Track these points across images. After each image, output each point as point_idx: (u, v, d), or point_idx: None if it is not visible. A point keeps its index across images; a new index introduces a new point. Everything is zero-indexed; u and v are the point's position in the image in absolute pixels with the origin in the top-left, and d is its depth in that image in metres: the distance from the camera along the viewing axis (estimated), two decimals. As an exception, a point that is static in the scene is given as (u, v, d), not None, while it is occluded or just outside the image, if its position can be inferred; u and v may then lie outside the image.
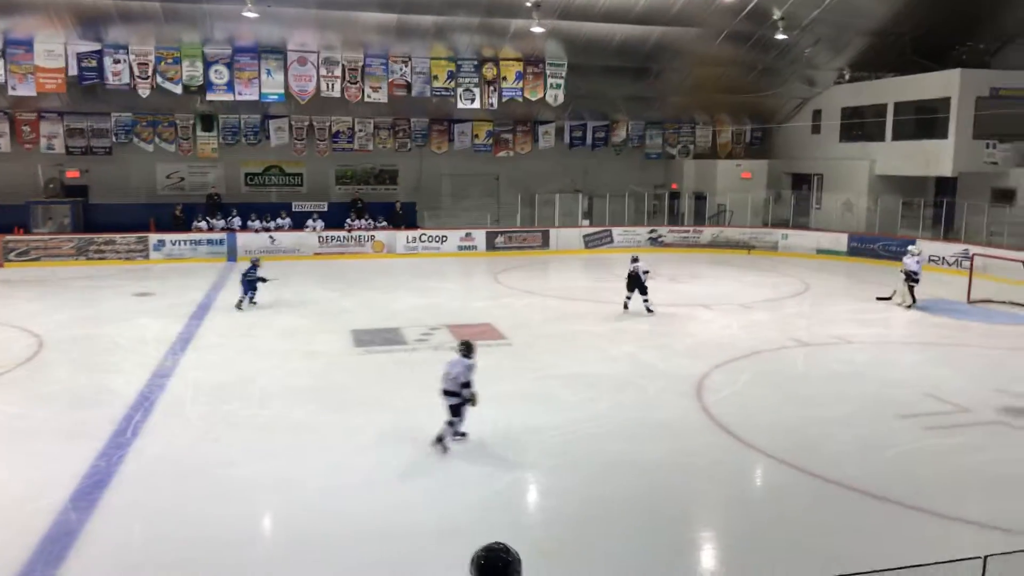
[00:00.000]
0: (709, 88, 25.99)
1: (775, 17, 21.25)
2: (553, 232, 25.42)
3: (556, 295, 17.88)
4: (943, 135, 21.99)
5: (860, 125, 25.18)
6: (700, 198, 27.69)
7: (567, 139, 27.16)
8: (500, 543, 3.09)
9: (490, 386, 10.59)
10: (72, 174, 24.49)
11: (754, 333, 13.89)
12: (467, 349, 8.62)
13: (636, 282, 15.31)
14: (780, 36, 21.75)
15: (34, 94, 20.85)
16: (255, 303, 15.90)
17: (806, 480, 7.76)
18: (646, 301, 15.36)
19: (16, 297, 17.10)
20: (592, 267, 22.52)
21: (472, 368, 8.46)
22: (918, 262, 16.34)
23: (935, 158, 22.29)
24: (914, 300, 16.20)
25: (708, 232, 26.10)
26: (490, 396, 10.19)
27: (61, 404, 9.73)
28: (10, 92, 20.66)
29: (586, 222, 26.44)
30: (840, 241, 23.79)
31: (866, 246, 23.23)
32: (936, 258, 20.91)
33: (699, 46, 23.25)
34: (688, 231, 26.31)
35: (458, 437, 8.51)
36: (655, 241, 26.01)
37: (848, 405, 10.03)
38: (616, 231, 25.83)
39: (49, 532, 6.45)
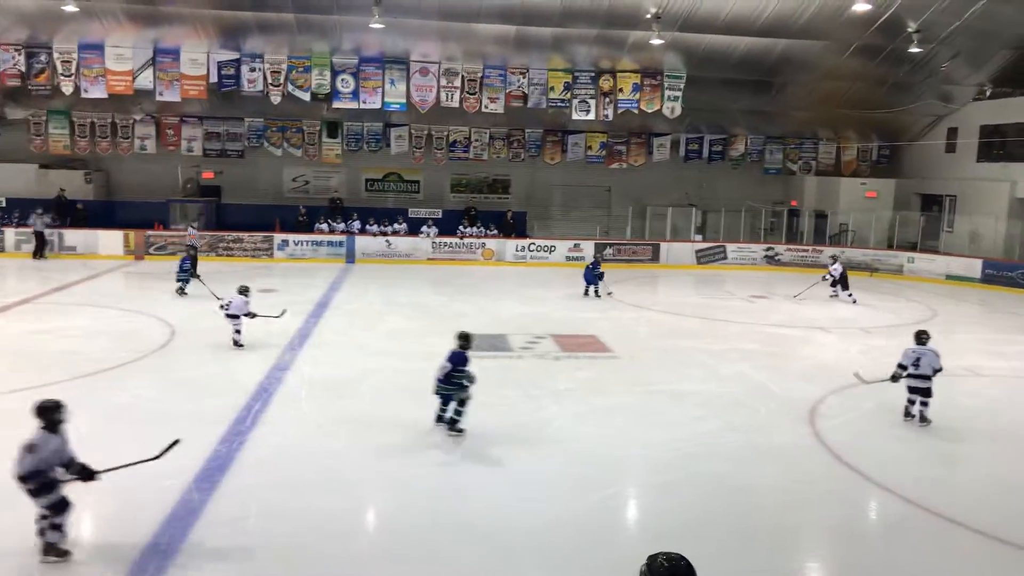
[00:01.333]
0: (834, 103, 24.98)
1: (910, 29, 20.23)
2: (664, 246, 25.07)
3: (665, 310, 17.62)
4: (1095, 156, 20.32)
5: (1001, 144, 23.59)
6: (821, 216, 26.66)
7: (682, 152, 26.74)
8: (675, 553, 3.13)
9: (593, 398, 10.61)
10: (208, 175, 26.14)
11: (874, 359, 13.19)
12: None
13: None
14: (914, 49, 20.67)
15: (178, 100, 22.31)
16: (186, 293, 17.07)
17: (927, 518, 7.31)
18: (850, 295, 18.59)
19: (153, 288, 18.36)
20: (703, 283, 22.05)
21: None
22: None
23: (1085, 181, 20.61)
24: None
25: (828, 252, 25.04)
26: (593, 408, 10.19)
27: (189, 390, 10.35)
28: (158, 98, 22.19)
29: (699, 237, 25.93)
30: (973, 267, 22.34)
31: (1002, 273, 21.72)
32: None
33: (825, 59, 22.40)
34: (807, 250, 25.35)
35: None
36: (771, 259, 25.21)
37: (978, 442, 9.40)
38: (730, 247, 25.21)
39: (175, 510, 6.89)
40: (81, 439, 8.60)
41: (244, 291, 12.63)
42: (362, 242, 23.95)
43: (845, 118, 26.27)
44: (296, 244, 23.74)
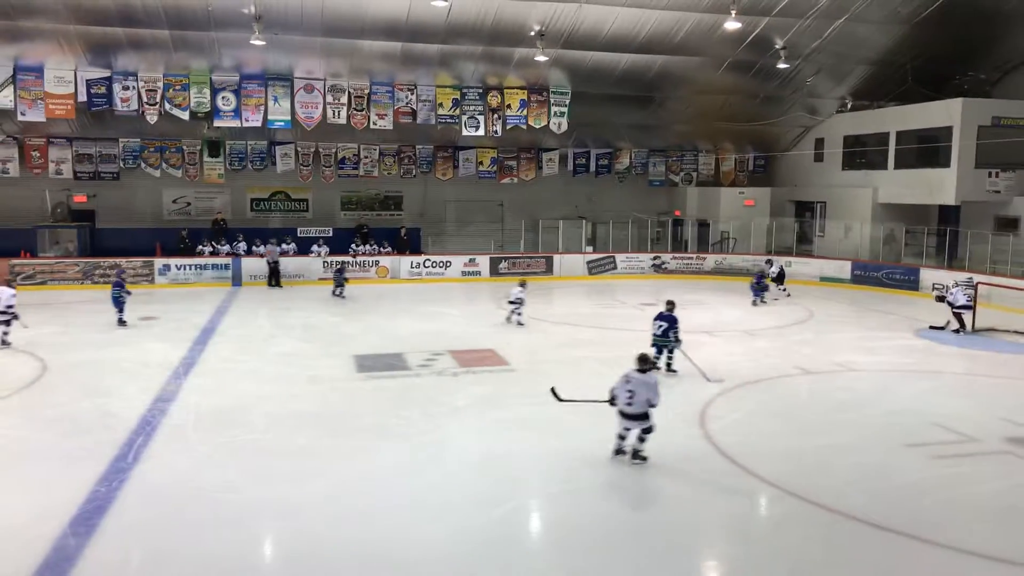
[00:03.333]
0: (712, 116, 26.20)
1: (776, 47, 21.48)
2: (557, 258, 25.50)
3: (559, 321, 17.87)
4: (946, 164, 22.11)
5: (862, 153, 25.32)
6: (703, 225, 27.80)
7: (571, 166, 27.35)
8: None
9: (492, 412, 10.64)
10: (79, 199, 24.71)
11: (757, 360, 13.86)
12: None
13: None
14: (782, 65, 21.96)
15: (43, 120, 21.08)
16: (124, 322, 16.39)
17: (809, 509, 7.69)
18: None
19: (20, 321, 17.11)
20: (596, 293, 22.52)
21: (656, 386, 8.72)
22: (966, 294, 16.49)
23: (938, 186, 22.37)
24: (962, 325, 16.33)
25: (711, 259, 26.13)
26: (491, 422, 10.22)
27: (63, 428, 9.71)
28: (19, 118, 20.89)
29: (589, 248, 26.51)
30: (844, 269, 23.80)
31: (869, 274, 23.24)
32: (940, 286, 20.88)
33: (701, 75, 23.46)
34: (692, 258, 26.35)
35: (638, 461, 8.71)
36: (658, 268, 26.06)
37: (852, 433, 9.97)
38: (620, 257, 25.90)
39: (48, 558, 6.42)
40: (-61, 488, 7.97)
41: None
42: (248, 264, 23.17)
43: (722, 130, 27.59)
44: (179, 268, 22.74)
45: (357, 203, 27.38)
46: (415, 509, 7.59)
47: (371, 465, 8.68)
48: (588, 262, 25.65)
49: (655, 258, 26.24)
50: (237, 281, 22.84)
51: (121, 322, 16.36)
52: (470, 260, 24.81)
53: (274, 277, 22.76)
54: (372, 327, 16.94)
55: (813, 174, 27.28)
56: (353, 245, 24.69)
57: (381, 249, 24.90)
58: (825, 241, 25.87)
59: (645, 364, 8.80)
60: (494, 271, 24.75)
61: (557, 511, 7.80)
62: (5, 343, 14.08)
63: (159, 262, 22.71)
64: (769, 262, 22.52)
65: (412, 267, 24.42)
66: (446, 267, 24.55)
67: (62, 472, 8.24)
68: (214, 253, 23.51)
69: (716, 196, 28.00)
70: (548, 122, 24.02)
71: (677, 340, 12.51)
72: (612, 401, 8.84)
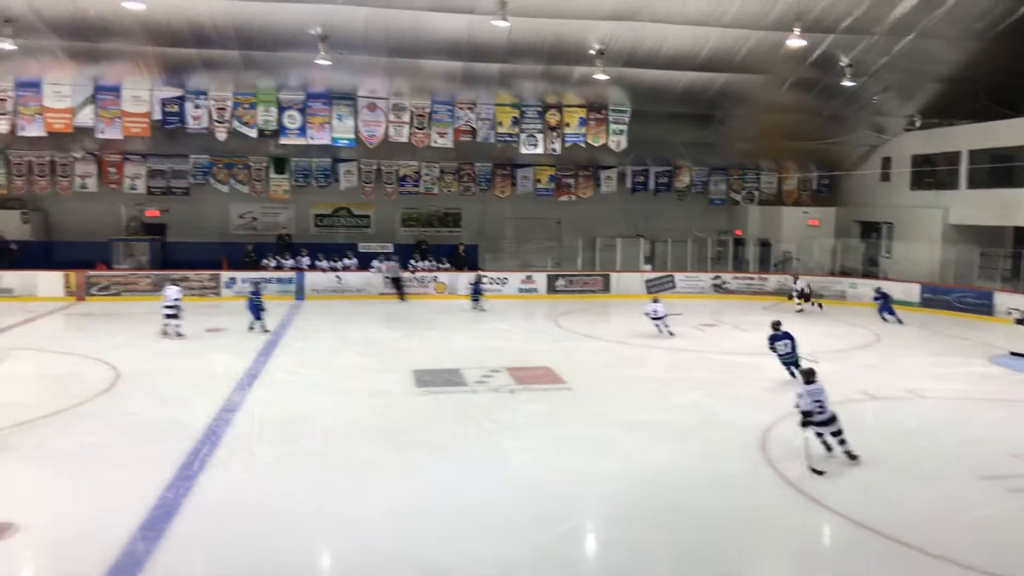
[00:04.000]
0: (774, 135, 25.79)
1: (842, 64, 21.06)
2: (614, 276, 25.35)
3: (617, 340, 17.74)
4: (1022, 184, 21.28)
5: (932, 173, 24.58)
6: (765, 245, 27.32)
7: (629, 184, 27.20)
8: None
9: (550, 431, 10.60)
10: (152, 213, 25.62)
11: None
12: (810, 375, 9.62)
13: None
14: (847, 83, 21.51)
15: (120, 137, 21.92)
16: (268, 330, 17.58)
17: (876, 541, 7.44)
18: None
19: (96, 330, 17.83)
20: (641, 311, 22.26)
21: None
22: None
23: (1013, 207, 21.53)
24: None
25: (773, 279, 25.64)
26: (550, 441, 10.18)
27: (134, 435, 10.03)
28: (98, 135, 21.77)
29: (648, 267, 26.30)
30: (912, 291, 23.07)
31: (939, 297, 22.47)
32: (1016, 310, 20.09)
33: (764, 93, 23.14)
34: (753, 278, 25.91)
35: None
36: (719, 287, 25.68)
37: (923, 463, 9.63)
38: (678, 276, 25.62)
39: (118, 561, 6.62)
40: (21, 486, 8.33)
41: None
42: (312, 278, 23.67)
43: (785, 149, 27.12)
44: (244, 282, 23.32)
45: (417, 220, 27.74)
46: (473, 525, 7.60)
47: (429, 480, 8.74)
48: (646, 281, 25.43)
49: (715, 277, 25.87)
50: (300, 295, 23.33)
51: (262, 328, 17.76)
52: (527, 277, 24.86)
53: (399, 290, 23.50)
54: (430, 342, 17.09)
55: (880, 194, 26.57)
56: (412, 261, 24.99)
57: (439, 265, 25.15)
58: (892, 263, 25.13)
59: (813, 376, 9.62)
60: (551, 288, 24.74)
61: (615, 533, 7.71)
62: (179, 335, 16.72)
63: (225, 275, 23.36)
64: (796, 277, 23.24)
65: (470, 283, 24.55)
66: (503, 284, 24.64)
67: (133, 477, 8.51)
68: (278, 267, 24.08)
69: (778, 215, 27.51)
70: (607, 140, 23.98)
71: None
72: (808, 417, 9.38)
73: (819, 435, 9.51)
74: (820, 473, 8.96)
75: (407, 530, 7.47)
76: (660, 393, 12.75)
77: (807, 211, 27.63)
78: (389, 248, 25.84)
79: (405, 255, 25.28)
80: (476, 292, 22.31)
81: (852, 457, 9.39)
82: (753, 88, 22.85)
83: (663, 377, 13.79)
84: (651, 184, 27.35)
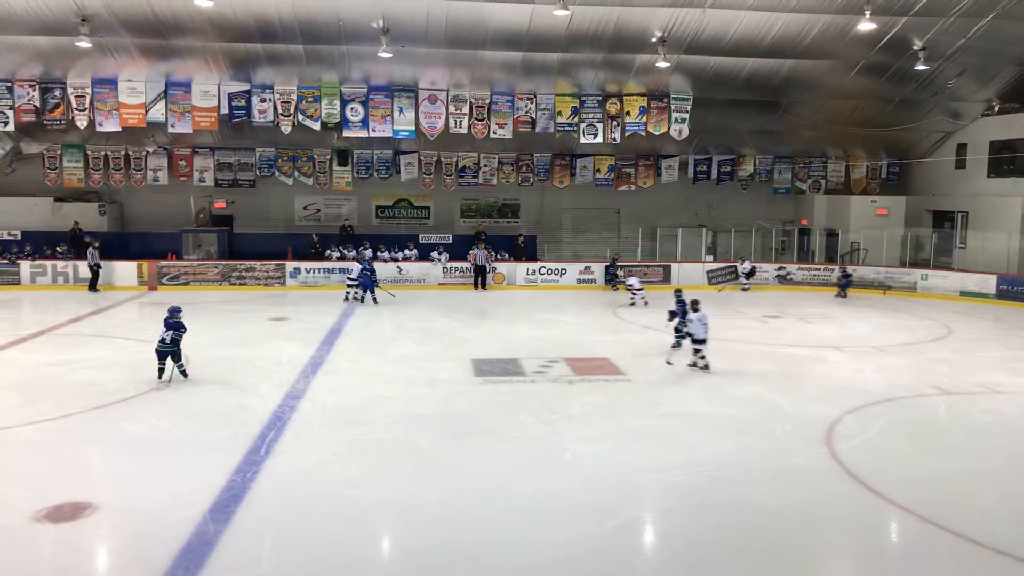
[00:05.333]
0: (842, 122, 25.04)
1: (916, 47, 20.30)
2: (675, 267, 25.04)
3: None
4: (1108, 170, 20.22)
5: (1012, 160, 23.53)
6: (832, 235, 26.61)
7: (691, 173, 26.80)
8: None
9: (608, 422, 10.56)
10: (220, 205, 26.39)
11: (890, 378, 13.12)
12: (695, 304, 13.40)
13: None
14: (920, 67, 20.73)
15: (190, 131, 22.59)
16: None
17: (947, 539, 7.21)
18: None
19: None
20: (716, 303, 21.93)
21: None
22: None
23: (1099, 195, 20.50)
24: None
25: (840, 270, 24.97)
26: (609, 432, 10.15)
27: (203, 420, 10.37)
28: (169, 130, 22.47)
29: (710, 257, 25.90)
30: (988, 283, 22.18)
31: (1018, 289, 21.55)
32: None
33: (832, 78, 22.48)
34: (819, 269, 25.27)
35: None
36: (783, 279, 25.14)
37: (998, 460, 9.28)
38: (741, 268, 25.15)
39: (190, 541, 6.87)
40: (97, 469, 8.70)
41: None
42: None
43: (853, 136, 26.30)
44: (308, 272, 23.85)
45: (476, 210, 27.90)
46: (531, 514, 7.64)
47: (488, 469, 8.81)
48: (708, 271, 25.05)
49: (780, 268, 25.33)
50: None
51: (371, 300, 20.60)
52: (585, 268, 24.75)
53: (480, 278, 23.81)
54: (489, 332, 17.18)
55: (954, 182, 25.57)
56: (471, 251, 25.13)
57: (498, 256, 25.23)
58: (967, 253, 24.19)
59: (698, 304, 13.49)
60: (610, 279, 24.57)
61: (673, 526, 7.65)
62: (375, 301, 20.52)
63: (290, 265, 23.90)
64: (742, 259, 24.90)
65: (528, 274, 24.61)
66: (561, 274, 24.59)
67: (202, 461, 8.80)
68: (341, 258, 24.51)
69: (846, 205, 26.74)
70: (668, 129, 23.65)
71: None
72: (685, 335, 13.53)
73: (697, 351, 13.28)
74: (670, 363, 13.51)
75: (465, 517, 7.55)
76: (721, 386, 12.56)
77: (876, 200, 26.79)
78: (448, 239, 26.04)
79: (465, 246, 25.43)
80: (611, 275, 23.89)
81: (706, 368, 13.23)
82: (820, 74, 22.21)
83: (724, 369, 13.57)
84: (714, 173, 26.89)
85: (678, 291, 14.94)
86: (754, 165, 26.95)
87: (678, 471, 8.81)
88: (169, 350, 12.03)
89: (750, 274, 24.43)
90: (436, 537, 7.11)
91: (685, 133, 23.77)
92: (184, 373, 12.18)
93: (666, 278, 24.83)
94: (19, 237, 24.41)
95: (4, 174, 24.52)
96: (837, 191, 27.46)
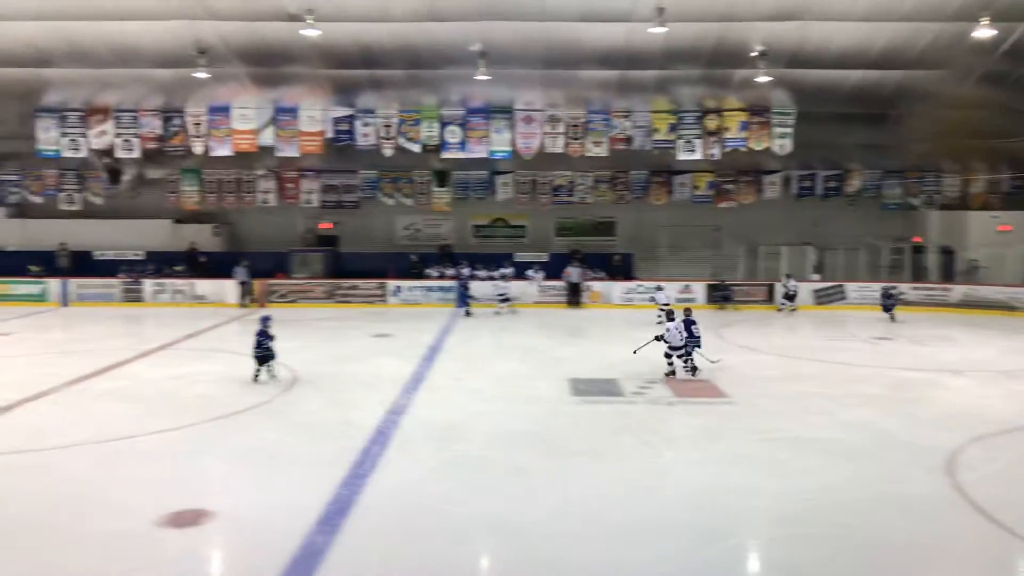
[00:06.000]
0: (959, 133, 23.76)
1: (1040, 53, 19.16)
2: (778, 286, 24.28)
3: (782, 353, 16.99)
4: None
5: None
6: (948, 253, 25.25)
7: (795, 189, 26.00)
8: None
9: (711, 445, 10.30)
10: (325, 225, 27.41)
11: (1019, 405, 12.29)
12: (671, 314, 14.30)
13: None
14: (1047, 73, 19.53)
15: (297, 155, 23.59)
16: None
17: (1090, 581, 6.67)
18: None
19: (277, 335, 19.16)
20: (822, 324, 21.19)
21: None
22: None
23: None
24: None
25: (959, 290, 23.62)
26: (709, 455, 9.90)
27: (311, 434, 10.72)
28: (277, 154, 23.53)
29: (816, 276, 25.01)
30: (1126, 304, 20.54)
31: None
32: None
33: (946, 89, 21.45)
34: (934, 289, 23.99)
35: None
36: (895, 299, 23.96)
37: None
38: (850, 287, 24.16)
39: (299, 552, 7.08)
40: (213, 478, 9.11)
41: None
42: (471, 287, 24.31)
43: (971, 149, 24.91)
44: (409, 290, 24.43)
45: (571, 229, 27.90)
46: (634, 536, 7.52)
47: (587, 489, 8.73)
48: (814, 291, 24.19)
49: (891, 288, 24.18)
50: (461, 302, 24.05)
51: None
52: (684, 287, 24.32)
53: (575, 297, 23.91)
54: (586, 352, 17.10)
55: (1085, 195, 23.88)
56: (567, 270, 25.12)
57: (594, 274, 25.13)
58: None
59: (673, 315, 14.62)
60: (710, 298, 24.06)
61: (779, 555, 7.36)
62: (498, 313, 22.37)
63: (392, 284, 24.54)
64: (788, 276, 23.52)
65: (624, 292, 24.39)
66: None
67: (310, 473, 9.09)
68: (440, 276, 24.98)
69: (963, 221, 25.33)
70: (770, 144, 23.07)
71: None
72: (663, 340, 13.83)
73: (681, 357, 13.85)
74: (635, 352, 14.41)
75: (564, 537, 7.50)
76: (829, 410, 12.07)
77: (997, 215, 25.26)
78: (544, 257, 26.13)
79: (561, 264, 25.44)
80: (722, 294, 23.66)
81: (694, 371, 13.95)
82: (933, 84, 21.25)
83: (832, 393, 13.05)
84: (818, 189, 26.01)
85: (670, 313, 15.45)
86: (862, 180, 25.90)
87: (784, 498, 8.49)
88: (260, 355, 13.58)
89: (791, 296, 23.10)
90: (538, 556, 7.09)
91: (788, 148, 23.13)
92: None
93: (769, 298, 24.11)
94: (142, 257, 26.02)
95: (130, 198, 26.20)
96: (953, 206, 26.05)
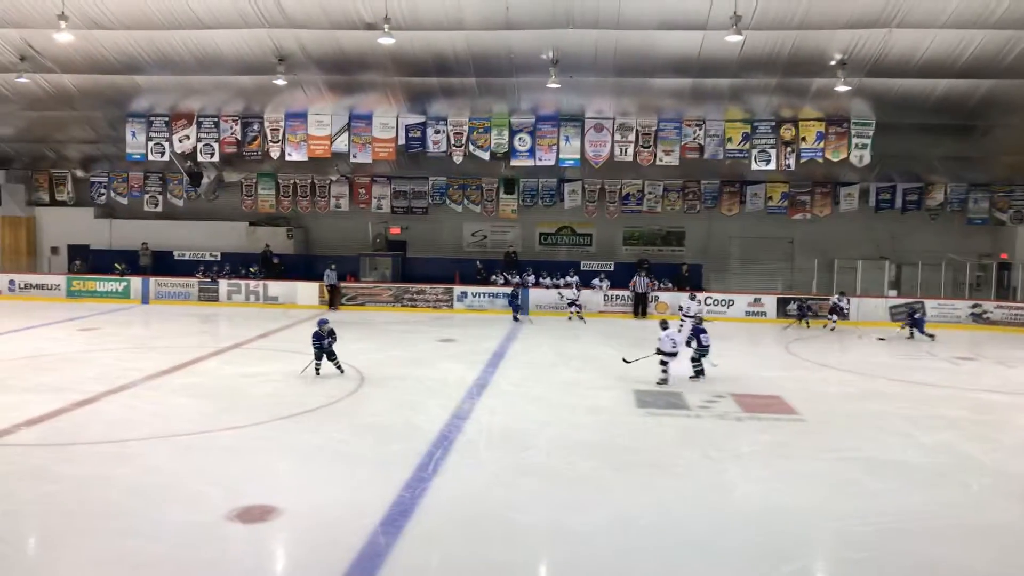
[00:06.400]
0: (1053, 146, 22.69)
1: None
2: (854, 301, 23.55)
3: (856, 370, 16.46)
4: None
5: None
6: (1037, 270, 24.09)
7: (873, 202, 25.21)
8: None
9: (779, 463, 10.03)
10: (395, 231, 27.88)
11: (1112, 433, 11.61)
12: (664, 324, 14.59)
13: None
14: None
15: (370, 161, 24.02)
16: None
17: None
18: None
19: (345, 337, 19.47)
20: (900, 342, 20.43)
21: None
22: None
23: None
24: None
25: (907, 308, 22.52)
26: (780, 473, 9.63)
27: (376, 435, 10.86)
28: (351, 160, 24.01)
29: (893, 292, 24.16)
30: None
31: None
32: None
33: (1039, 99, 20.46)
34: (1021, 308, 22.90)
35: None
36: (979, 317, 22.99)
37: None
38: (929, 304, 23.26)
39: (363, 551, 7.18)
40: (282, 475, 9.32)
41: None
42: (535, 295, 24.38)
43: (1065, 161, 23.77)
44: (474, 296, 24.60)
45: (639, 238, 27.67)
46: (692, 553, 7.37)
47: (650, 502, 8.60)
48: (891, 307, 23.36)
49: (974, 306, 23.19)
50: (525, 310, 24.12)
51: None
52: (755, 300, 23.82)
53: (641, 306, 24.04)
54: (651, 362, 16.85)
55: None
56: (633, 280, 24.92)
57: (661, 285, 24.84)
58: None
59: (667, 324, 14.81)
60: (781, 312, 23.50)
61: (854, 579, 7.11)
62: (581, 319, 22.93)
63: (458, 289, 24.77)
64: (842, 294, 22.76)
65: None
66: (728, 305, 23.82)
67: (374, 475, 9.21)
68: (506, 283, 25.08)
69: (1055, 237, 24.15)
70: (848, 155, 22.39)
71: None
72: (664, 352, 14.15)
73: (666, 363, 14.13)
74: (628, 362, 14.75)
75: (627, 550, 7.39)
76: (905, 431, 11.62)
77: (1091, 232, 24.00)
78: (609, 267, 25.96)
79: (627, 274, 25.24)
80: (803, 310, 22.55)
81: (699, 374, 14.65)
82: (1024, 94, 20.29)
83: (909, 414, 12.56)
84: (898, 202, 25.17)
85: (664, 323, 15.15)
86: (945, 193, 24.96)
87: (857, 520, 8.19)
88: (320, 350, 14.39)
89: (836, 311, 22.34)
90: (597, 568, 7.01)
91: (867, 159, 22.42)
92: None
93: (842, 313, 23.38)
94: (219, 257, 26.90)
95: (208, 200, 27.14)
96: (1045, 222, 24.86)
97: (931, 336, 20.21)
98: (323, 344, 14.29)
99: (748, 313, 23.58)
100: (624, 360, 14.87)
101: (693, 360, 14.71)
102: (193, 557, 7.04)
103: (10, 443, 10.15)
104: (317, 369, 14.31)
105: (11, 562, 6.96)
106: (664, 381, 14.09)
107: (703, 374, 14.72)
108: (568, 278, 25.10)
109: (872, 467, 9.93)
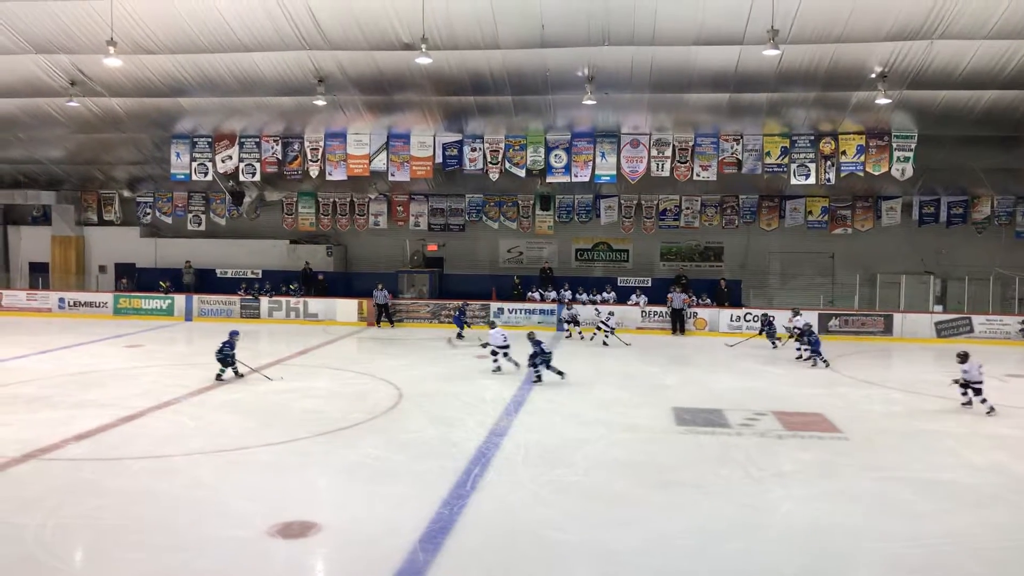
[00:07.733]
0: (1104, 156, 22.11)
1: None
2: (898, 317, 23.10)
3: (901, 387, 16.12)
4: None
5: None
6: (1089, 284, 23.40)
7: (916, 215, 24.78)
8: None
9: (823, 482, 9.84)
10: (432, 248, 28.11)
11: None
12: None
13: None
14: None
15: (408, 179, 24.29)
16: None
17: None
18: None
19: (383, 353, 19.74)
20: (946, 359, 19.91)
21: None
22: None
23: None
24: None
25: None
26: (823, 493, 9.45)
27: (414, 451, 10.90)
28: (390, 178, 24.31)
29: (939, 308, 23.65)
30: None
31: None
32: None
33: (1090, 108, 19.96)
34: (1072, 323, 22.26)
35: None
36: (1027, 333, 22.39)
37: None
38: (977, 320, 22.72)
39: (401, 569, 7.18)
40: (321, 491, 9.39)
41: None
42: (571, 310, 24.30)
43: (1117, 173, 23.12)
44: (511, 312, 24.63)
45: (676, 254, 27.51)
46: (737, 572, 7.25)
47: (690, 521, 8.49)
48: (937, 323, 22.86)
49: (1023, 322, 22.58)
50: (561, 326, 24.07)
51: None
52: (794, 314, 23.42)
53: (679, 323, 23.86)
54: (690, 380, 16.73)
55: None
56: (671, 296, 24.75)
57: (699, 300, 24.63)
58: None
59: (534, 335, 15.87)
60: (823, 328, 23.11)
61: (902, 603, 6.93)
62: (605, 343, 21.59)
63: (495, 305, 24.83)
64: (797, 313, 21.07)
65: (732, 320, 23.76)
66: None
67: (413, 491, 9.23)
68: (542, 299, 25.08)
69: (1107, 250, 23.46)
70: (889, 168, 22.05)
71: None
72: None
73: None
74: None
75: (667, 570, 7.30)
76: (953, 450, 11.33)
77: None
78: (647, 282, 25.83)
79: (664, 289, 25.08)
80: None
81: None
82: (1075, 104, 19.82)
83: (956, 432, 12.25)
84: (942, 215, 24.71)
85: (531, 334, 16.24)
86: (991, 206, 24.46)
87: (904, 542, 7.99)
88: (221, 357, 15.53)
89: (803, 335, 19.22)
90: (638, 589, 6.93)
91: (909, 173, 22.05)
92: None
93: (887, 329, 22.96)
94: (260, 275, 27.34)
95: (250, 219, 27.66)
96: (1095, 235, 24.17)
97: (826, 363, 18.20)
98: (230, 355, 15.57)
99: (788, 329, 23.21)
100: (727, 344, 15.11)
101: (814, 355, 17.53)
102: (233, 573, 7.12)
103: (59, 457, 10.40)
104: (220, 375, 15.50)
105: (61, 575, 7.11)
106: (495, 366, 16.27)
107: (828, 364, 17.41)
108: (604, 294, 25.02)
109: (919, 487, 9.69)
